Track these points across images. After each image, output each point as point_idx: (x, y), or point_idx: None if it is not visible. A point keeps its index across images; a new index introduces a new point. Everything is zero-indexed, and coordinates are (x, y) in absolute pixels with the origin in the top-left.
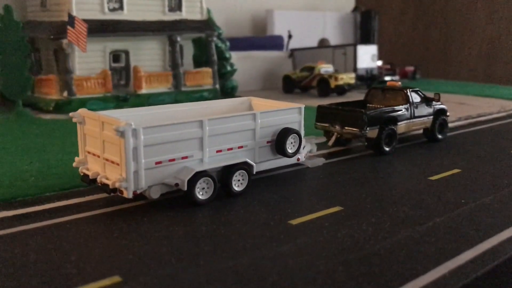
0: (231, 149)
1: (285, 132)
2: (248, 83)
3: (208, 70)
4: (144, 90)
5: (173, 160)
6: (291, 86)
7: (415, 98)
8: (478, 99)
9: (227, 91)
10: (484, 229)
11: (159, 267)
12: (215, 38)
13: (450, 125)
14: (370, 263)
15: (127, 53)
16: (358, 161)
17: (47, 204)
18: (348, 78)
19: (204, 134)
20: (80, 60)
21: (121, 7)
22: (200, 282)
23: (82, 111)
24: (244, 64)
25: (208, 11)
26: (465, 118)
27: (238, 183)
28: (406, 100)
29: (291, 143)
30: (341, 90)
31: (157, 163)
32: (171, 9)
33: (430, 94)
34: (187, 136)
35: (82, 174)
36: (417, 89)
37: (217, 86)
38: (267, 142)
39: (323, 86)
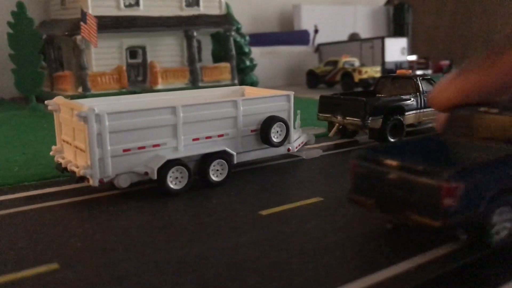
0: (210, 137)
1: (270, 120)
2: (273, 78)
3: (226, 65)
4: (160, 86)
5: (143, 147)
6: (315, 81)
7: (427, 86)
8: None
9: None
10: None
11: (101, 256)
12: (233, 33)
13: None
14: (328, 254)
15: (144, 49)
16: None
17: (21, 193)
18: (372, 71)
19: (178, 121)
20: (97, 56)
21: (137, 3)
22: (136, 271)
23: (57, 99)
24: (268, 59)
25: (227, 5)
26: None
27: (217, 173)
28: (416, 89)
29: (277, 131)
30: (366, 83)
31: (125, 150)
32: (189, 5)
33: None
34: (159, 123)
35: (57, 162)
36: (429, 77)
37: (236, 81)
38: (252, 131)
39: (347, 80)
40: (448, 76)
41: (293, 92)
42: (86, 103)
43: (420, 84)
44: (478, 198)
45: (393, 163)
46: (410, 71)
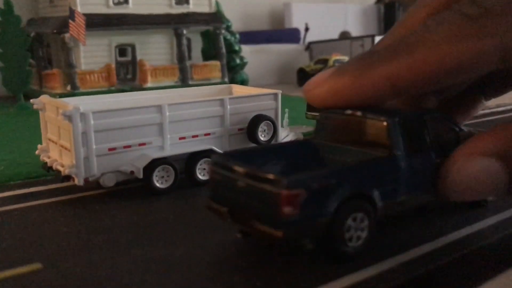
0: (197, 136)
1: (257, 119)
2: (263, 77)
3: (216, 63)
4: (149, 84)
5: (129, 146)
6: (305, 80)
7: None
8: None
9: (236, 84)
10: None
11: (86, 255)
12: (223, 31)
13: None
14: (313, 252)
15: (133, 47)
16: None
17: (7, 192)
18: None
19: (164, 119)
20: (86, 54)
21: (126, 1)
22: (121, 271)
23: (43, 97)
24: (259, 57)
25: (217, 3)
26: None
27: (203, 172)
28: None
29: (264, 130)
30: None
31: (110, 149)
32: (178, 2)
33: None
34: (145, 122)
35: (43, 161)
36: None
37: (226, 79)
38: (239, 129)
39: None
40: (328, 71)
41: (281, 91)
42: (71, 102)
43: None
44: (325, 205)
45: (240, 169)
46: None
